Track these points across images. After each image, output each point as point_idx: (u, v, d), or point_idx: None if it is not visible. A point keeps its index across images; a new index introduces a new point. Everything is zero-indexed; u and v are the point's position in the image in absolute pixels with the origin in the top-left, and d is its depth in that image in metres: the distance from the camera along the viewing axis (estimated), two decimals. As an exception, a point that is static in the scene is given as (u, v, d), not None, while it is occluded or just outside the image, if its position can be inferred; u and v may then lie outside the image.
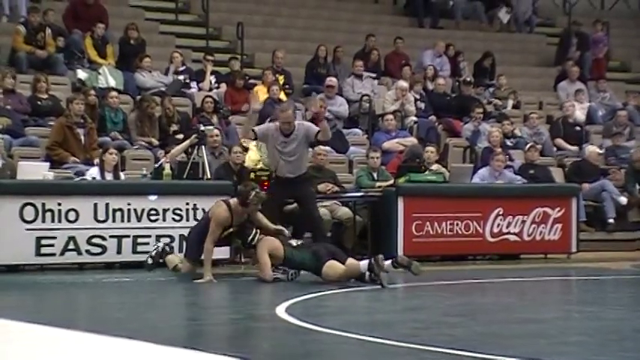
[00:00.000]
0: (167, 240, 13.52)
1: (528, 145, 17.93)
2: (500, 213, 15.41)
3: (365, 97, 19.01)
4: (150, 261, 12.85)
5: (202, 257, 12.44)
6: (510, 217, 15.46)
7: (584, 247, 16.17)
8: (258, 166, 15.12)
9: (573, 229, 15.94)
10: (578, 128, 19.65)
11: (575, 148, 18.90)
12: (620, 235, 17.55)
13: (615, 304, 11.12)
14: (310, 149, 14.58)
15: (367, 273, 11.68)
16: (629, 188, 18.02)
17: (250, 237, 12.34)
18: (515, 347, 7.52)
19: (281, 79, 18.76)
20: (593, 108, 20.96)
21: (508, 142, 18.04)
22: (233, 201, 12.38)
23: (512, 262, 15.16)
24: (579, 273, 14.30)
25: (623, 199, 17.81)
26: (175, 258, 12.83)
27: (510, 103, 20.58)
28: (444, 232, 14.92)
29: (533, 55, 23.83)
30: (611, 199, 17.61)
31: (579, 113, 20.35)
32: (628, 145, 19.36)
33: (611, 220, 17.58)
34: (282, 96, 18.12)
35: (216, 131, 15.72)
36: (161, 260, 12.87)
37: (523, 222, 15.54)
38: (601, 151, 18.58)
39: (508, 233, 15.49)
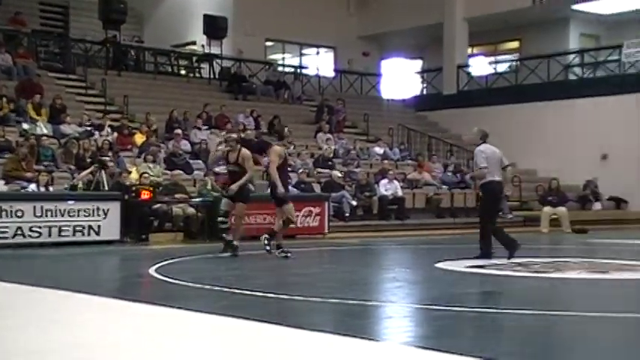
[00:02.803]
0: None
1: (300, 171, 18.15)
2: (284, 210, 15.45)
3: (203, 141, 18.81)
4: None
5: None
6: (290, 213, 15.54)
7: (332, 231, 16.47)
8: (137, 182, 14.86)
9: (326, 220, 16.25)
10: (329, 162, 19.98)
11: (327, 171, 19.21)
12: (352, 224, 17.94)
13: (348, 263, 11.39)
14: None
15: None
16: (357, 196, 18.44)
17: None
18: (293, 290, 7.62)
19: (149, 129, 18.47)
20: (336, 149, 21.38)
21: (289, 169, 18.15)
22: (277, 143, 11.80)
23: (291, 240, 15.19)
24: (329, 245, 14.55)
25: (354, 202, 18.24)
26: None
27: (290, 145, 20.73)
28: (250, 222, 14.78)
29: (302, 117, 24.03)
30: (347, 203, 18.00)
31: (329, 152, 20.68)
32: (357, 170, 19.82)
33: (347, 215, 17.96)
34: (154, 140, 17.87)
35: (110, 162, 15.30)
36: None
37: (297, 216, 15.62)
38: (340, 175, 18.97)
39: (288, 222, 15.57)
